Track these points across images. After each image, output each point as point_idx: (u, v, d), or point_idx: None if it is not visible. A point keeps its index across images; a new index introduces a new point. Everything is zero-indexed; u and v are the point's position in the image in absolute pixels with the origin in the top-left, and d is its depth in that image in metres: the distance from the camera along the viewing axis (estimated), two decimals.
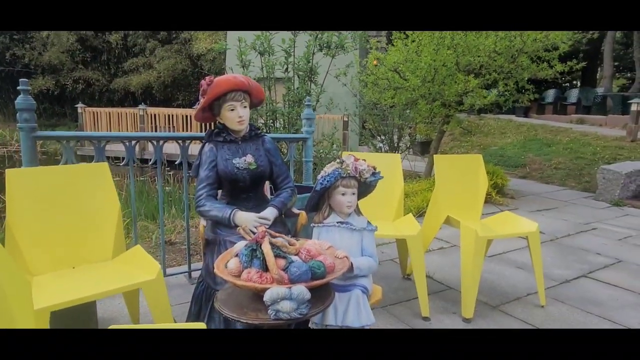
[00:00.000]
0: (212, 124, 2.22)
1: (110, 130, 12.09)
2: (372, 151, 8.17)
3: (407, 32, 5.56)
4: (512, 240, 3.91)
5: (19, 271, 1.21)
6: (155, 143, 2.64)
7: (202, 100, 2.05)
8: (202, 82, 2.04)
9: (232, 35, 13.81)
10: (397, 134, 8.32)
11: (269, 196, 2.33)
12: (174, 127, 12.49)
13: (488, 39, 4.74)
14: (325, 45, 3.83)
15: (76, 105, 12.13)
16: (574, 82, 19.54)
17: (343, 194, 1.82)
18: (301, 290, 1.35)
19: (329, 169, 1.83)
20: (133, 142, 2.61)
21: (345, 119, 10.41)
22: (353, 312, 1.66)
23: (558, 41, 5.05)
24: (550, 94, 14.29)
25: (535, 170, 8.13)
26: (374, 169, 1.88)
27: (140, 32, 17.68)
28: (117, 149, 11.02)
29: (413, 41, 5.29)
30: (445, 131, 6.39)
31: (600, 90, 13.82)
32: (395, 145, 8.29)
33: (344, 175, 1.81)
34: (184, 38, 17.03)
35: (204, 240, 2.05)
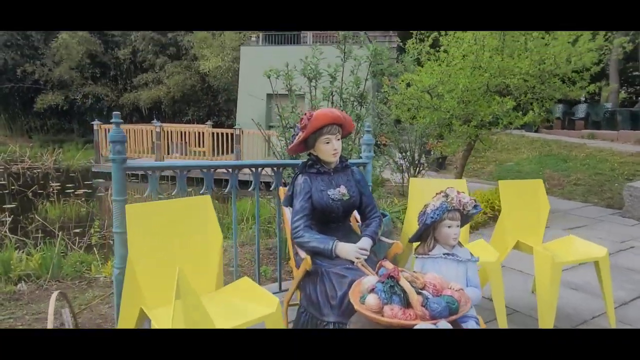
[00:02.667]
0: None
1: (128, 146, 12.14)
2: (392, 166, 8.26)
3: (438, 53, 5.68)
4: None
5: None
6: (253, 170, 2.75)
7: (301, 134, 2.12)
8: (303, 116, 2.10)
9: (245, 54, 13.98)
10: (418, 150, 8.41)
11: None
12: (186, 142, 12.58)
13: (523, 62, 4.85)
14: (379, 72, 3.92)
15: (92, 123, 12.20)
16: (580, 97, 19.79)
17: (449, 227, 1.88)
18: (447, 326, 1.40)
19: (436, 202, 1.89)
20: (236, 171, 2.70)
21: None
22: None
23: (588, 62, 5.17)
24: (558, 109, 14.48)
25: (555, 187, 8.23)
26: (475, 201, 1.94)
27: (149, 47, 17.84)
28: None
29: (443, 62, 5.40)
30: (472, 149, 6.49)
31: (608, 105, 14.03)
32: (417, 162, 8.38)
33: (450, 209, 1.87)
34: (193, 54, 17.21)
35: (304, 271, 2.09)
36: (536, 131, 13.40)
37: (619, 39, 5.22)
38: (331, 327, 1.88)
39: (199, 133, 12.16)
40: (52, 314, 1.93)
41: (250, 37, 14.93)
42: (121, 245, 2.37)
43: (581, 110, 14.29)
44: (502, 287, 2.47)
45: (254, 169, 2.81)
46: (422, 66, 5.86)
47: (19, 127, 19.68)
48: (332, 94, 4.13)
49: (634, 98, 20.62)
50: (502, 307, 2.47)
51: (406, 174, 8.19)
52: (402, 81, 5.60)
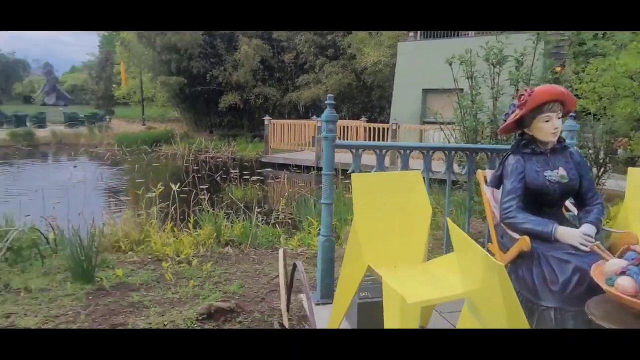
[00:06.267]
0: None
1: (292, 140, 13.35)
2: None
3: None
4: None
5: None
6: (468, 154, 2.95)
7: (518, 111, 2.05)
8: (524, 92, 2.03)
9: (402, 49, 14.02)
10: (604, 148, 7.33)
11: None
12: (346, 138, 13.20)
13: None
14: (581, 53, 3.56)
15: (263, 118, 13.69)
16: None
17: None
18: None
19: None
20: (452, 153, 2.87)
21: None
22: None
23: None
24: None
25: None
26: None
27: (311, 50, 19.17)
28: (299, 157, 12.08)
29: None
30: None
31: None
32: (601, 161, 7.31)
33: None
34: (350, 54, 17.93)
35: (518, 251, 2.02)
36: None
37: None
38: (551, 312, 1.79)
39: (356, 128, 12.66)
40: (282, 267, 2.25)
41: (409, 33, 14.87)
42: (327, 215, 2.64)
43: None
44: None
45: (447, 152, 2.85)
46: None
47: (203, 124, 23.15)
48: (517, 81, 3.87)
49: None
50: None
51: None
52: (595, 67, 4.94)
